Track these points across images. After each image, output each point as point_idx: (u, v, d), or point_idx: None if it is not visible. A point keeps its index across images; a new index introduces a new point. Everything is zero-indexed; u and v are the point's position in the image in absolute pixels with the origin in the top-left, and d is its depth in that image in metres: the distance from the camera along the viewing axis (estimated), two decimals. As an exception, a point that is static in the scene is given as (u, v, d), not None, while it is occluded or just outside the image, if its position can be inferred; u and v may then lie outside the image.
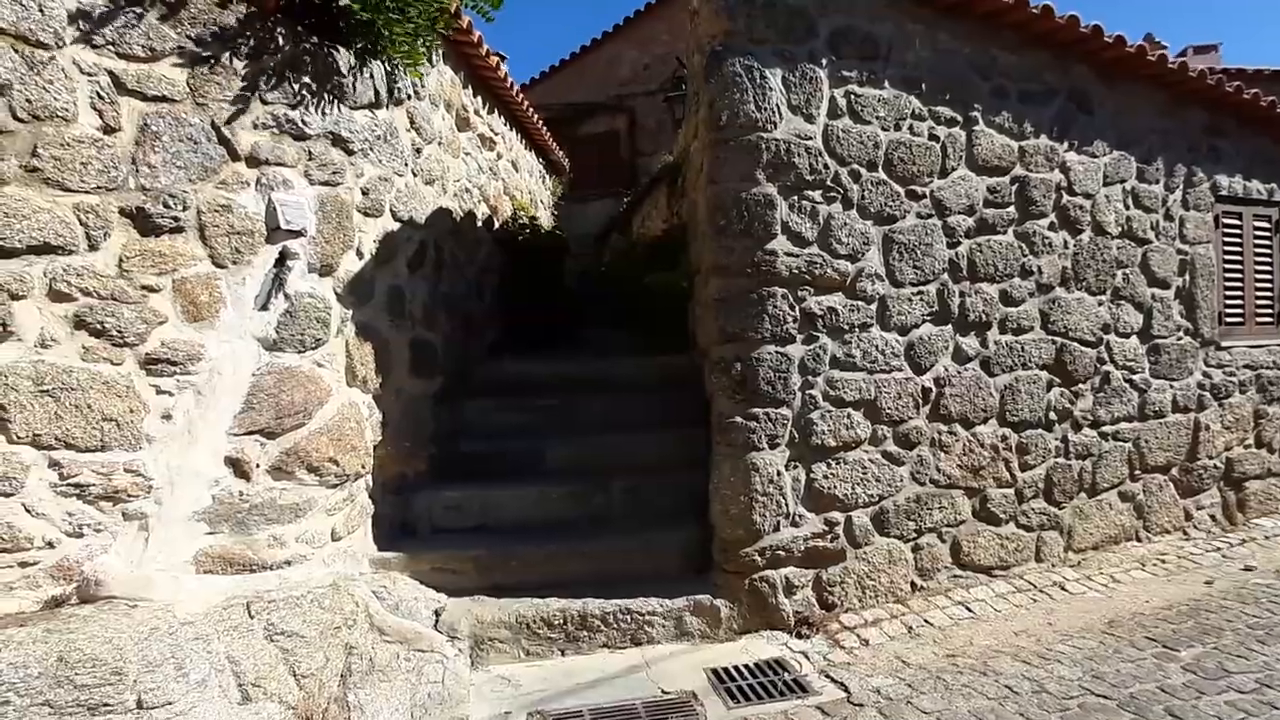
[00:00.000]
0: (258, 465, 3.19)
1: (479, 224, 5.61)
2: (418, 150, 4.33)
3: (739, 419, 3.86)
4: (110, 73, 2.83)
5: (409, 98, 4.19)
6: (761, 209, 3.86)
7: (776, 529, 3.91)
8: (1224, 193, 5.63)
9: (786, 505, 3.93)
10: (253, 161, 3.19)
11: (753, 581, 3.88)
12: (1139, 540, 5.17)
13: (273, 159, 3.24)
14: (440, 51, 4.63)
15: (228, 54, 3.11)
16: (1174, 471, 5.38)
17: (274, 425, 3.23)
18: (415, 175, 4.30)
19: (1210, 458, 5.55)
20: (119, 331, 2.82)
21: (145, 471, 2.88)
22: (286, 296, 3.30)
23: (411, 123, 4.25)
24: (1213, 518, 5.58)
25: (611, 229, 11.29)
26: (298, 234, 3.31)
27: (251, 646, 2.82)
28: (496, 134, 6.18)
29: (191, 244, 3.02)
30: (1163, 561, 4.90)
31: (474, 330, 5.40)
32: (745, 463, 3.85)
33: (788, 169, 3.91)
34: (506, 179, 6.48)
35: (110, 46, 2.83)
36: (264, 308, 3.22)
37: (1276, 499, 5.91)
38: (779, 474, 3.91)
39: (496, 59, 5.33)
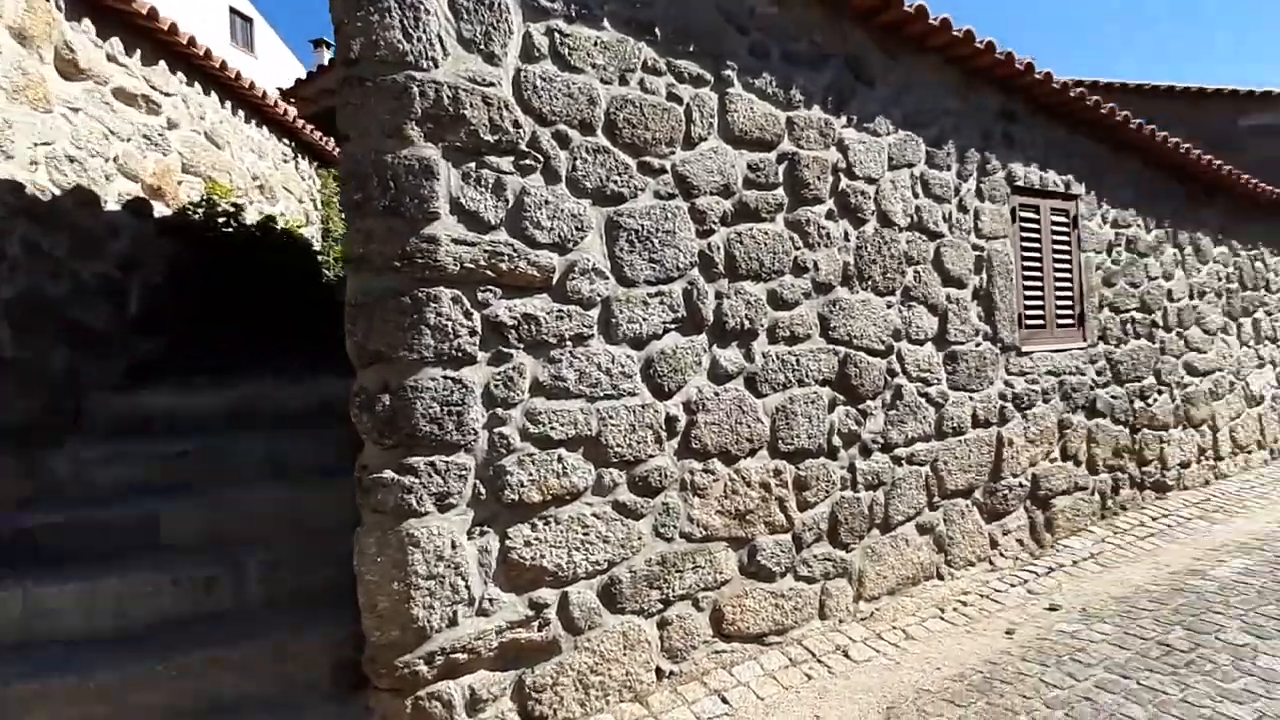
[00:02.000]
0: None
1: (112, 206, 4.16)
2: (-78, 90, 2.92)
3: (389, 473, 2.71)
4: None
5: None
6: (416, 179, 2.75)
7: (453, 622, 2.80)
8: (1020, 183, 5.12)
9: (468, 588, 2.83)
10: None
11: (418, 701, 2.74)
12: (940, 578, 4.49)
13: None
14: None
15: None
16: (977, 494, 4.76)
17: None
18: (-82, 126, 2.88)
19: (1015, 475, 4.99)
20: None
21: None
22: None
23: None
24: (1020, 542, 5.03)
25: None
26: None
27: None
28: (168, 94, 4.75)
29: None
30: (964, 604, 4.22)
31: (97, 348, 3.96)
32: (399, 535, 2.71)
33: (457, 124, 2.83)
34: (188, 153, 5.02)
35: None
36: None
37: (1084, 515, 5.48)
38: (454, 546, 2.80)
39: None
